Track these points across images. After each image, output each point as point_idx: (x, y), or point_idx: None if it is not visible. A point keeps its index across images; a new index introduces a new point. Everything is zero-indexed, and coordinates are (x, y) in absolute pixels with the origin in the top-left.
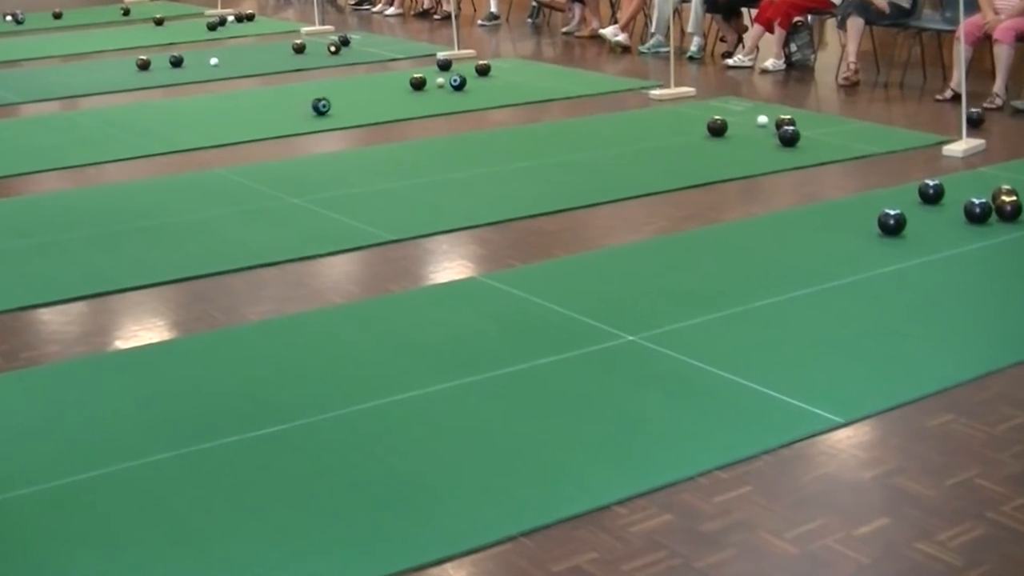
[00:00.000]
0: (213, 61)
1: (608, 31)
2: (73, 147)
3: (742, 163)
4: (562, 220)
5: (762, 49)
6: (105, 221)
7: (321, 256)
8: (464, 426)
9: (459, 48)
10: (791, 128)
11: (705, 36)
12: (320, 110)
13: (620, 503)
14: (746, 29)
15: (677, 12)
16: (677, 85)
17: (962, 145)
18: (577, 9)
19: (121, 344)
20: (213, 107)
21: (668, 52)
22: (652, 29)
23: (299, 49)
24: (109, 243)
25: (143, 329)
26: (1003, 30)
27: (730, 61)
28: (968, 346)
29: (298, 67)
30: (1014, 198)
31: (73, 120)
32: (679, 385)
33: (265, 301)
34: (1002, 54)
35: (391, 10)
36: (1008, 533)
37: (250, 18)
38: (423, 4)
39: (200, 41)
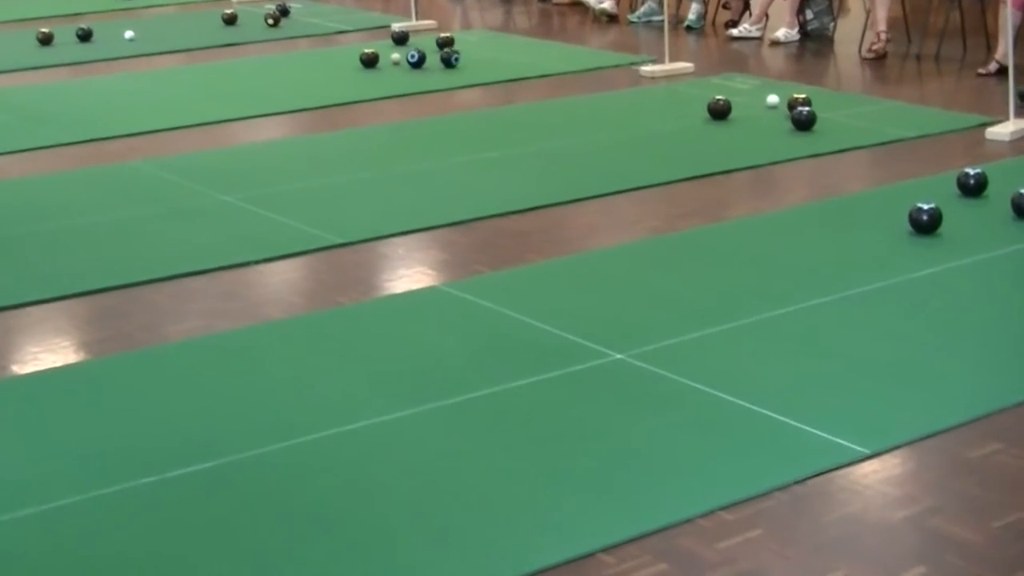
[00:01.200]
0: (128, 34)
1: None
2: None
3: (749, 151)
4: (538, 219)
5: (772, 17)
6: None
7: (257, 263)
8: (425, 461)
9: (417, 18)
10: (806, 109)
11: (705, 2)
12: (451, 63)
13: (607, 550)
14: None
15: None
16: (673, 60)
17: (1009, 127)
18: None
19: (18, 368)
20: (128, 89)
21: (662, 21)
22: None
23: (230, 20)
24: (4, 250)
25: (44, 351)
26: None
27: (735, 31)
28: (1016, 364)
29: (229, 41)
30: None
31: None
32: (676, 410)
33: (191, 316)
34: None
35: None
36: None
37: None
38: None
39: (113, 11)
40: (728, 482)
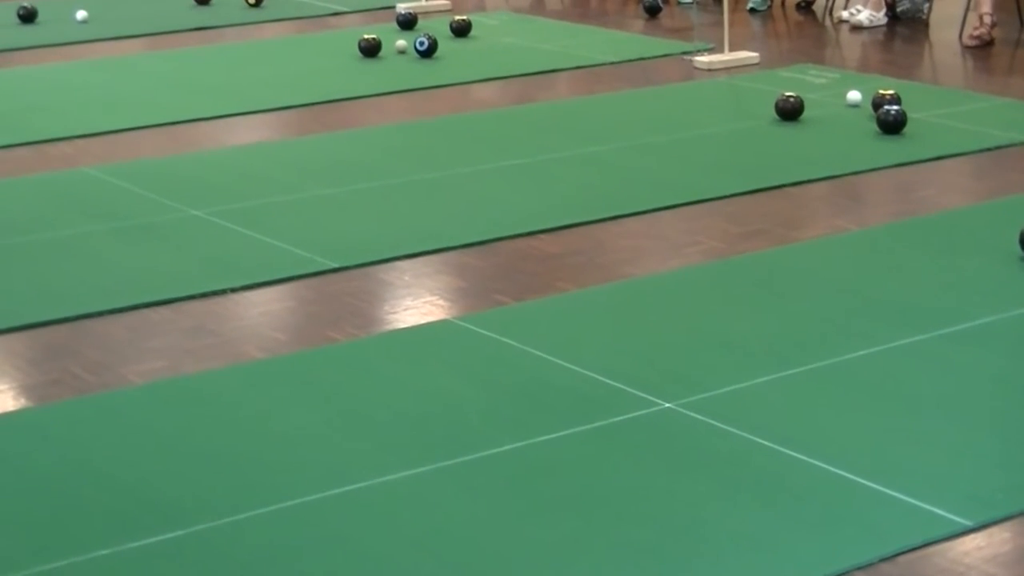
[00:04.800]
0: (80, 15)
1: None
2: None
3: (825, 158)
4: (571, 239)
5: None
6: None
7: (233, 291)
8: (435, 530)
9: None
10: (895, 108)
11: None
12: (419, 49)
13: None
14: None
15: None
16: (733, 49)
17: None
18: None
19: None
20: (79, 80)
21: (721, 1)
22: None
23: None
24: None
25: None
26: None
27: (846, 14)
28: None
29: (201, 24)
30: None
31: None
32: (736, 471)
33: (153, 355)
34: None
35: None
36: None
37: None
38: None
39: None
40: (801, 559)
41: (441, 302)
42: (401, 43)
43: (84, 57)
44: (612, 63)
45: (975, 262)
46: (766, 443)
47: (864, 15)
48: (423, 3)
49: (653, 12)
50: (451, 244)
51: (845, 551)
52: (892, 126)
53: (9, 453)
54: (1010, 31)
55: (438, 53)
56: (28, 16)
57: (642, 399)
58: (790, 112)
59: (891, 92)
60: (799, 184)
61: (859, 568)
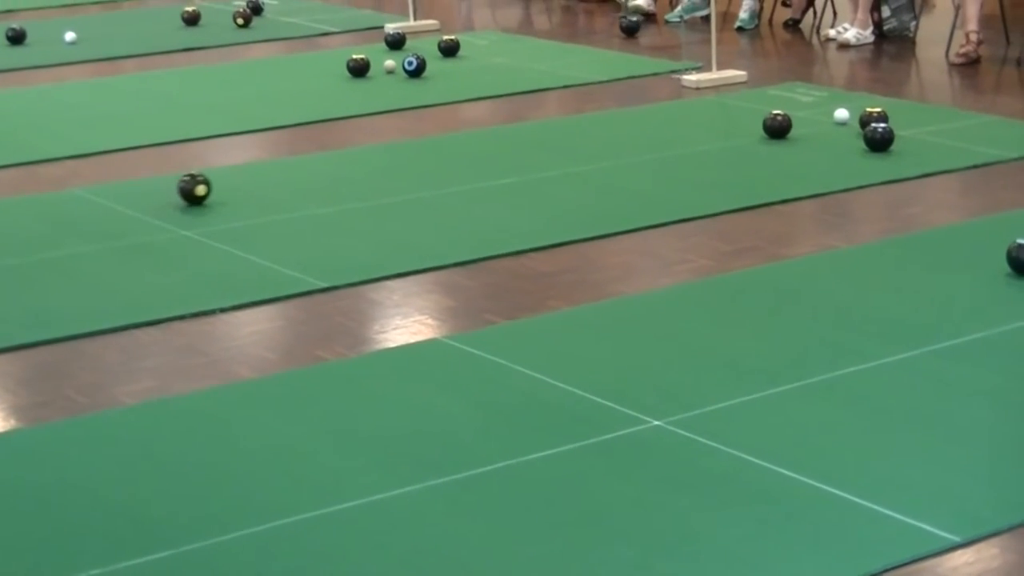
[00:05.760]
0: (69, 36)
1: None
2: None
3: (814, 175)
4: (561, 258)
5: (840, 14)
6: None
7: (223, 311)
8: (425, 548)
9: (416, 18)
10: (883, 126)
11: None
12: (408, 68)
13: None
14: None
15: None
16: (721, 67)
17: None
18: None
19: None
20: (69, 101)
21: (709, 20)
22: None
23: (192, 19)
24: None
25: None
26: None
27: (833, 32)
28: None
29: (190, 44)
30: None
31: None
32: (726, 489)
33: (144, 376)
34: None
35: None
36: None
37: None
38: None
39: (51, 7)
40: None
41: (431, 321)
42: (390, 63)
43: (73, 78)
44: (601, 82)
45: (964, 279)
46: (755, 460)
47: (851, 33)
48: (412, 23)
49: (631, 32)
50: (441, 263)
51: (834, 568)
52: (880, 144)
53: (0, 474)
54: (996, 48)
55: (427, 73)
56: (17, 37)
57: (632, 417)
58: (778, 130)
59: (879, 110)
60: (788, 202)
61: None
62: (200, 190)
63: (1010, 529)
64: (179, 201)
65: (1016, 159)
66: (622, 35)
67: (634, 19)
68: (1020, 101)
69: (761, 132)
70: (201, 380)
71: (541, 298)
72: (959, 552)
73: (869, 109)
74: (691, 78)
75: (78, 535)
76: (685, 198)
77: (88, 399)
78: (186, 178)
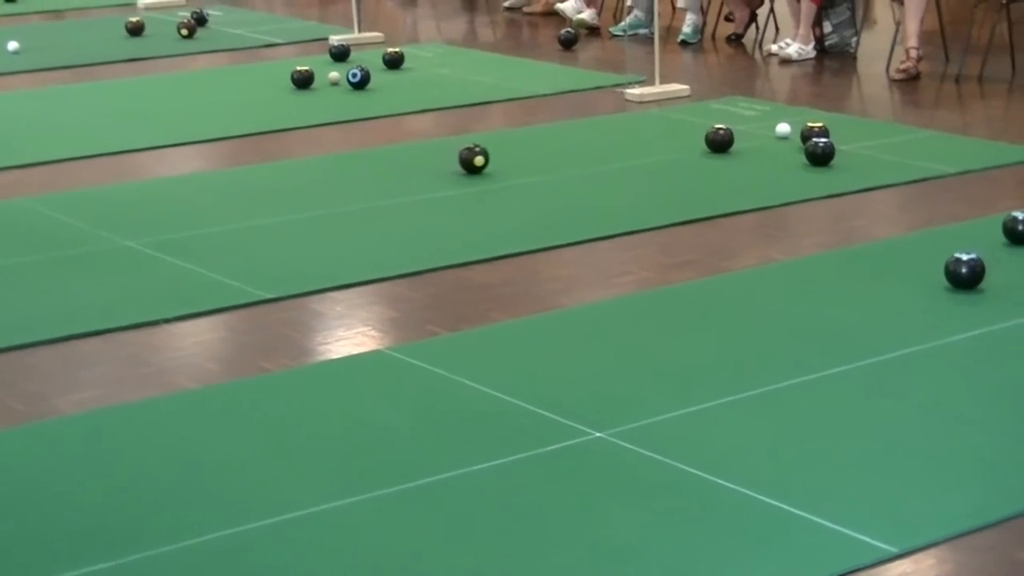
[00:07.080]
0: (12, 46)
1: (568, 5)
2: None
3: (755, 189)
4: (504, 269)
5: (782, 29)
6: None
7: (167, 321)
8: (367, 560)
9: (360, 30)
10: (824, 140)
11: (704, 12)
12: (352, 80)
13: None
14: (761, 3)
15: None
16: (664, 81)
17: None
18: None
19: None
20: (10, 111)
21: (652, 35)
22: (630, 2)
23: (135, 30)
24: None
25: None
26: None
27: (776, 47)
28: None
29: (134, 55)
30: None
31: None
32: (667, 500)
33: (86, 386)
34: None
35: None
36: None
37: None
38: None
39: None
40: None
41: (374, 332)
42: (334, 75)
43: (16, 88)
44: (545, 95)
45: (903, 292)
46: (696, 472)
47: (793, 48)
48: (356, 35)
49: (568, 45)
50: (384, 275)
51: None
52: (821, 158)
53: None
54: (936, 65)
55: (371, 85)
56: None
57: (574, 428)
58: (720, 144)
59: (820, 124)
60: (730, 215)
61: None
62: (478, 160)
63: (947, 540)
64: (120, 211)
65: (955, 174)
66: (560, 48)
67: (572, 32)
68: (959, 116)
69: (703, 146)
70: (144, 390)
71: (484, 310)
72: (897, 563)
73: (810, 124)
74: (634, 92)
75: (18, 545)
76: (628, 211)
77: (28, 408)
78: (467, 149)
